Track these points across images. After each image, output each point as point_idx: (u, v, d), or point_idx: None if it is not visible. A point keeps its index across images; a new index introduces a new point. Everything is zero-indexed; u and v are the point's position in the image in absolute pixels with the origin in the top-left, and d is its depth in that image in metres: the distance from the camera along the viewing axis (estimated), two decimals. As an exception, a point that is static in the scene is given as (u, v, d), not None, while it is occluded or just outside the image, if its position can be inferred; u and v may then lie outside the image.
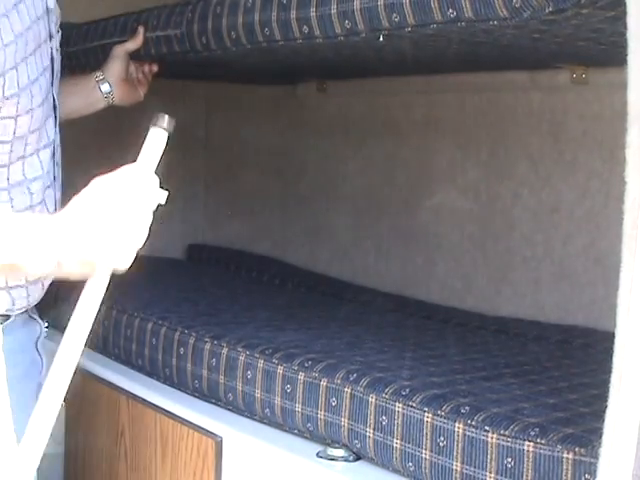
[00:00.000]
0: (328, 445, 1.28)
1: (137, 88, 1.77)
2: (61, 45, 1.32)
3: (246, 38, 1.45)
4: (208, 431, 1.44)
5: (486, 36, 1.23)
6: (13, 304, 1.23)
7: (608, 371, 0.84)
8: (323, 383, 1.29)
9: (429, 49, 1.43)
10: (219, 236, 2.80)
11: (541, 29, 1.15)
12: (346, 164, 2.34)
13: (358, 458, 1.26)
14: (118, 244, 0.96)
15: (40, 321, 1.32)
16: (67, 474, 1.81)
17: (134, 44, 1.71)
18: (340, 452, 1.27)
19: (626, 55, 0.82)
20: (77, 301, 1.97)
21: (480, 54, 1.51)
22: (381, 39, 1.23)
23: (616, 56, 0.87)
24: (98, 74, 1.69)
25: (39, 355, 1.32)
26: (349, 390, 1.26)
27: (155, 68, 1.79)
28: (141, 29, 1.71)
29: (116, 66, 1.70)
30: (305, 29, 1.32)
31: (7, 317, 1.22)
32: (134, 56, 1.73)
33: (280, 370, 1.36)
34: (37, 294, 1.26)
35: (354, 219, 2.38)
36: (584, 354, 1.60)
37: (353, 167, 2.35)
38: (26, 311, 1.28)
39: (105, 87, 1.68)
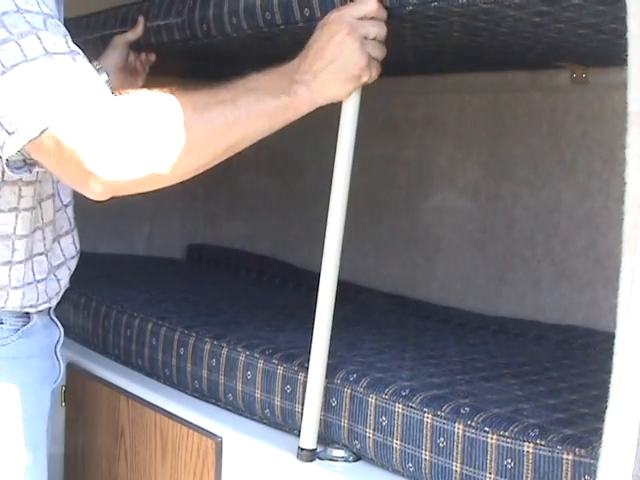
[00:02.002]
0: (328, 445, 1.28)
1: (135, 77, 1.78)
2: None
3: (247, 23, 1.46)
4: (208, 431, 1.43)
5: (487, 18, 1.22)
6: (37, 299, 1.22)
7: (608, 372, 0.83)
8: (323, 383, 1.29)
9: (430, 39, 1.42)
10: (219, 236, 2.80)
11: (542, 10, 1.15)
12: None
13: (358, 459, 1.26)
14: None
15: (59, 325, 1.32)
16: (67, 474, 1.81)
17: (134, 34, 1.72)
18: (340, 452, 1.26)
19: (626, 55, 0.82)
20: (75, 301, 1.97)
21: (480, 46, 1.51)
22: None
23: (616, 50, 0.87)
24: (94, 64, 1.69)
25: (57, 360, 1.32)
26: (349, 390, 1.25)
27: (153, 57, 1.79)
28: (141, 19, 1.72)
29: (115, 55, 1.71)
30: (306, 12, 1.32)
31: (27, 320, 1.22)
32: (133, 46, 1.74)
33: (280, 370, 1.36)
34: (55, 289, 1.26)
35: (354, 219, 2.38)
36: (584, 354, 1.60)
37: (353, 167, 2.35)
38: (47, 312, 1.28)
39: (102, 77, 1.68)
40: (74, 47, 1.02)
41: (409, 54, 1.68)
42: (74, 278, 1.33)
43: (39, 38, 0.97)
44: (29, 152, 1.00)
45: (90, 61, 1.68)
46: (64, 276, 1.28)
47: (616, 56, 0.87)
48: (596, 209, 1.83)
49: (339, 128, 1.20)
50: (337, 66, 1.12)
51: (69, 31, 1.06)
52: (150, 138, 1.00)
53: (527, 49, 1.53)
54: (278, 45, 1.61)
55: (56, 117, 0.96)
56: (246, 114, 1.06)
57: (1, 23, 0.97)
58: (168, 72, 2.29)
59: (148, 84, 1.82)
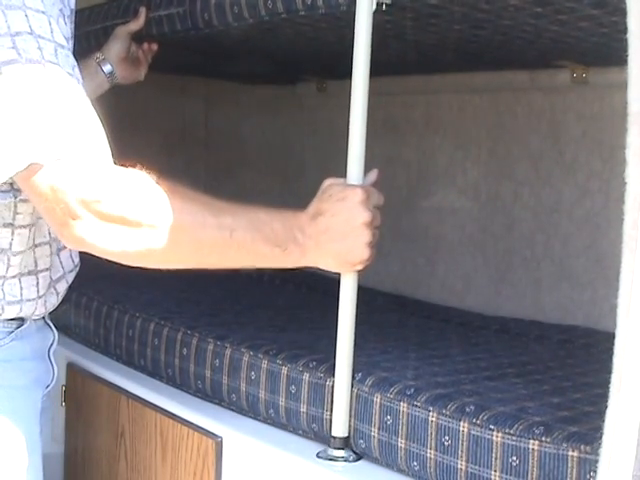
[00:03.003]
0: (330, 445, 1.28)
1: (138, 67, 1.78)
2: None
3: (248, 12, 1.46)
4: (208, 431, 1.43)
5: (488, 8, 1.23)
6: (35, 311, 1.21)
7: (611, 371, 0.84)
8: (328, 383, 1.30)
9: (431, 31, 1.42)
10: (219, 236, 2.79)
11: (543, 0, 1.16)
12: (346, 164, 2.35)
13: (359, 458, 1.26)
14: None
15: (54, 329, 1.31)
16: (67, 474, 1.81)
17: (136, 25, 1.73)
18: (340, 452, 1.26)
19: (626, 55, 0.82)
20: (77, 301, 1.97)
21: (481, 41, 1.51)
22: (383, 8, 1.20)
23: (616, 50, 0.87)
24: (98, 55, 1.70)
25: (51, 363, 1.31)
26: (354, 390, 1.26)
27: (155, 47, 1.80)
28: (143, 9, 1.72)
29: (117, 46, 1.72)
30: (308, 0, 1.33)
31: (21, 323, 1.21)
32: (135, 37, 1.74)
33: (284, 371, 1.37)
34: (53, 302, 1.25)
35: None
36: (587, 354, 1.61)
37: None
38: (42, 317, 1.27)
39: (107, 67, 1.70)
40: (79, 88, 0.99)
41: (410, 50, 1.68)
42: (76, 277, 1.33)
43: (46, 70, 0.95)
44: (15, 180, 0.99)
45: (92, 55, 1.70)
46: (62, 289, 1.27)
47: (616, 56, 0.87)
48: (596, 209, 1.83)
49: (349, 130, 1.20)
50: (343, 248, 1.13)
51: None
52: (134, 215, 0.99)
53: (528, 44, 1.53)
54: (279, 37, 1.61)
55: (46, 155, 0.94)
56: (236, 249, 1.07)
57: (13, 43, 0.95)
58: (168, 69, 2.29)
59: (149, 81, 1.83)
